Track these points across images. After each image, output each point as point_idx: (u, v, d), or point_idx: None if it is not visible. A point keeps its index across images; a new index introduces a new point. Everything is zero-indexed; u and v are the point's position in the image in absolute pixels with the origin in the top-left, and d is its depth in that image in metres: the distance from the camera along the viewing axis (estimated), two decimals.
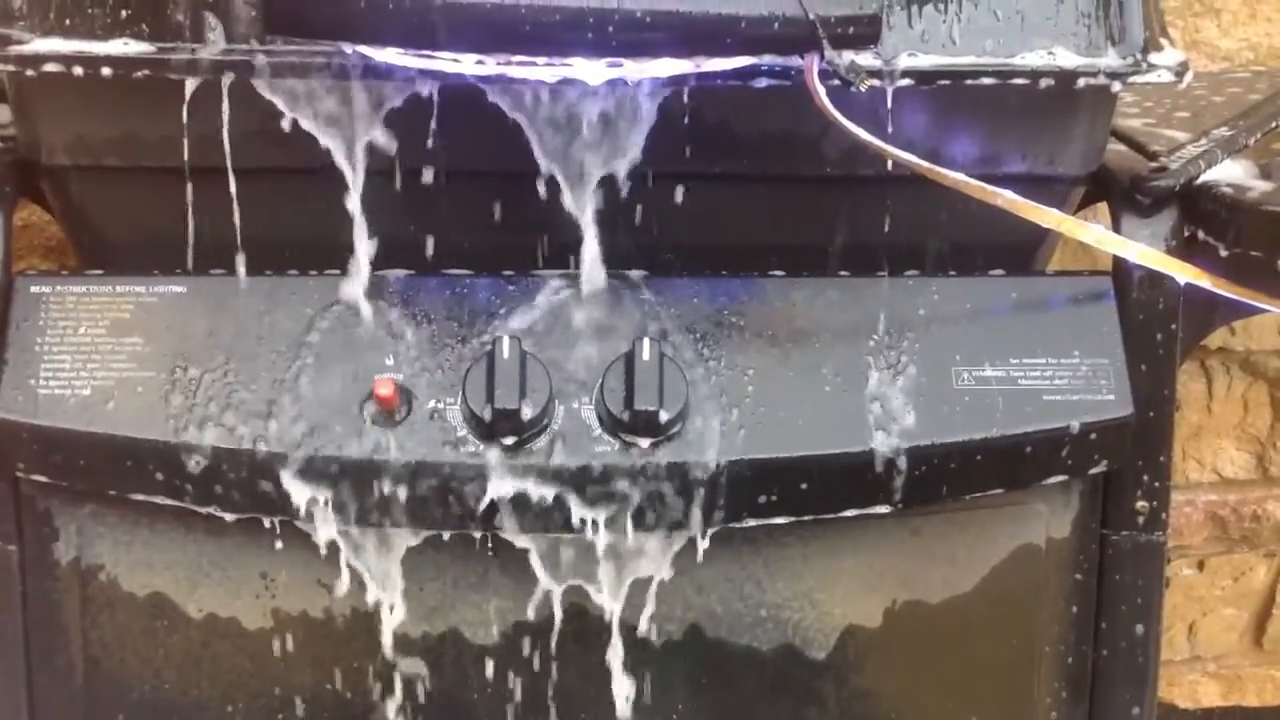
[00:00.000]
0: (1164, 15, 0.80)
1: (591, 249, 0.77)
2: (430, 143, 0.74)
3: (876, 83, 0.71)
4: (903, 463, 0.75)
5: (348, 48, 0.69)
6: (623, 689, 0.82)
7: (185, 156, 0.75)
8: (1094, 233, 0.76)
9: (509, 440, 0.74)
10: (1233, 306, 0.78)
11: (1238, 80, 1.07)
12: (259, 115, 0.73)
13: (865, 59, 0.71)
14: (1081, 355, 0.78)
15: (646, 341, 0.73)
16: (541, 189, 0.75)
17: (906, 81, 0.72)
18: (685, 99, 0.74)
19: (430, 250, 0.79)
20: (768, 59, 0.70)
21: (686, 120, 0.75)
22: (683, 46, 0.66)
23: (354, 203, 0.75)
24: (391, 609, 0.80)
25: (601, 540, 0.77)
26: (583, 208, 0.76)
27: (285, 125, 0.73)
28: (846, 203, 0.80)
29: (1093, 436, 0.78)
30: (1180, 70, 0.75)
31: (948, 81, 0.73)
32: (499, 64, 0.68)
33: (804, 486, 0.76)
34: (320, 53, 0.70)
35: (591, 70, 0.69)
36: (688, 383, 0.75)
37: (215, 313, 0.76)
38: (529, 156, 0.74)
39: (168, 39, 0.71)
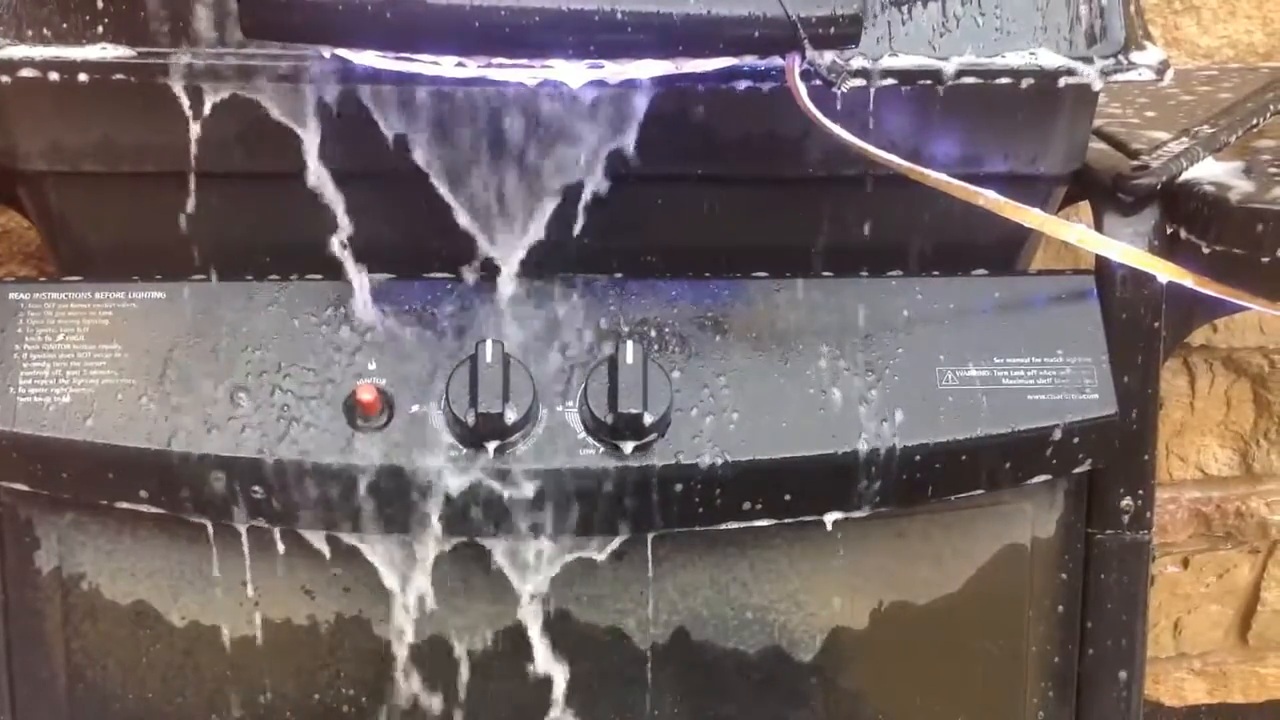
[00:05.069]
0: (1144, 13, 0.80)
1: (574, 251, 0.77)
2: (410, 146, 0.74)
3: (859, 83, 0.71)
4: (887, 464, 0.75)
5: (326, 51, 0.69)
6: (609, 692, 0.82)
7: (163, 162, 0.75)
8: (1076, 232, 0.76)
9: (492, 444, 0.73)
10: (1215, 304, 0.78)
11: (1206, 78, 1.07)
12: (237, 119, 0.72)
13: (847, 59, 0.70)
14: (1065, 354, 0.78)
15: (630, 344, 0.73)
16: (523, 191, 0.75)
17: (888, 81, 0.72)
18: (667, 100, 0.74)
19: (410, 254, 0.78)
20: (749, 60, 0.70)
21: (668, 122, 0.74)
22: (664, 48, 0.66)
23: (334, 207, 0.74)
24: (376, 615, 0.80)
25: (587, 543, 0.77)
26: (565, 210, 0.75)
27: (264, 129, 0.72)
28: (829, 203, 0.80)
29: (1077, 436, 0.78)
30: (1161, 69, 0.75)
31: (929, 81, 0.73)
32: (479, 66, 0.68)
33: (789, 489, 0.75)
34: (298, 57, 0.70)
35: (572, 72, 0.69)
36: (671, 385, 0.74)
37: (195, 319, 0.76)
38: (510, 158, 0.74)
39: (145, 44, 0.71)
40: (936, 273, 0.81)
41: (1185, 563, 1.40)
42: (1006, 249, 0.83)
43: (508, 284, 0.78)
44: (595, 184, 0.75)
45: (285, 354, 0.75)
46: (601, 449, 0.74)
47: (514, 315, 0.77)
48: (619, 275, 0.79)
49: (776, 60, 0.69)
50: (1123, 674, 0.85)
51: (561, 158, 0.74)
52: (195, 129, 0.73)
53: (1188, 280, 0.77)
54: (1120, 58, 0.75)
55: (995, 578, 0.83)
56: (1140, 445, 0.81)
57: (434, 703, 0.81)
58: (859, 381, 0.77)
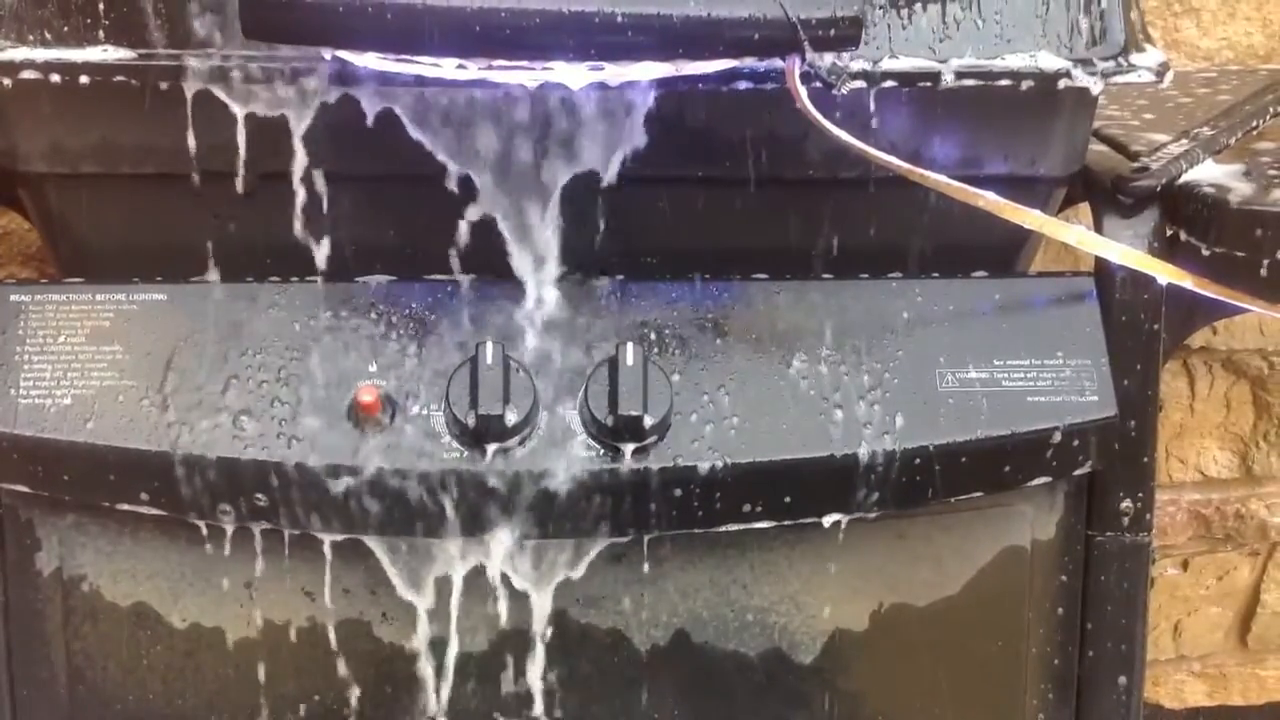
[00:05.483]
0: (1144, 15, 0.80)
1: (574, 253, 0.77)
2: (409, 149, 0.74)
3: (859, 85, 0.71)
4: (887, 466, 0.75)
5: (327, 53, 0.69)
6: (609, 694, 0.82)
7: (164, 163, 0.75)
8: (1076, 233, 0.76)
9: (493, 446, 0.73)
10: (1214, 306, 0.78)
11: (1205, 80, 1.07)
12: (238, 120, 0.72)
13: (846, 61, 0.71)
14: (1064, 356, 0.78)
15: (630, 346, 0.73)
16: (524, 193, 0.75)
17: (888, 83, 0.72)
18: (667, 102, 0.74)
19: (411, 256, 0.78)
20: (749, 62, 0.70)
21: (669, 124, 0.75)
22: (664, 50, 0.66)
23: (334, 208, 0.74)
24: (376, 617, 0.80)
25: (587, 545, 0.77)
26: (565, 212, 0.76)
27: (263, 130, 0.72)
28: (829, 205, 0.80)
29: (1076, 438, 0.78)
30: (1161, 71, 0.75)
31: (929, 83, 0.73)
32: (480, 68, 0.68)
33: (789, 491, 0.75)
34: (299, 58, 0.70)
35: (572, 74, 0.69)
36: (672, 387, 0.74)
37: (196, 320, 0.76)
38: (510, 161, 0.74)
39: (146, 46, 0.71)
40: (936, 274, 0.81)
41: (1185, 565, 1.40)
42: (1006, 251, 0.83)
43: (508, 286, 0.78)
44: (595, 186, 0.75)
45: (286, 356, 0.76)
46: (602, 451, 0.74)
47: (514, 317, 0.77)
48: (619, 277, 0.79)
49: (776, 62, 0.69)
50: (1122, 676, 0.85)
51: (562, 160, 0.74)
52: (196, 130, 0.73)
53: (1187, 282, 0.77)
54: (1120, 60, 0.75)
55: (995, 580, 0.83)
56: (1140, 447, 0.81)
57: (433, 703, 0.81)
58: (859, 383, 0.77)
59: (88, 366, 0.75)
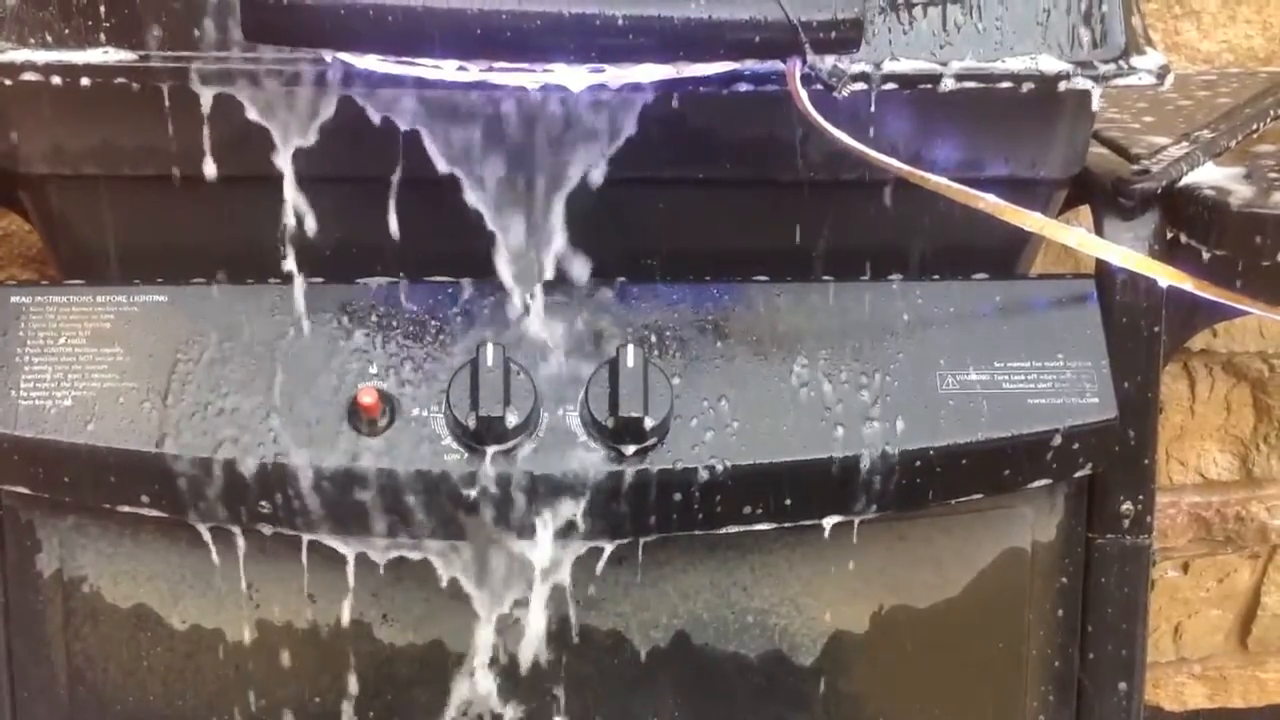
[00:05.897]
0: (1144, 18, 0.80)
1: (575, 255, 0.77)
2: (410, 150, 0.74)
3: (859, 87, 0.71)
4: (887, 468, 0.75)
5: (328, 55, 0.69)
6: (609, 696, 0.82)
7: (164, 165, 0.75)
8: (1076, 236, 0.77)
9: (493, 448, 0.73)
10: (1215, 309, 0.78)
11: (1204, 83, 1.07)
12: (238, 122, 0.72)
13: (847, 63, 0.71)
14: (1065, 358, 0.78)
15: (631, 348, 0.73)
16: (525, 196, 0.75)
17: (889, 86, 0.72)
18: (668, 104, 0.74)
19: (412, 258, 0.78)
20: (750, 64, 0.70)
21: (669, 126, 0.75)
22: (665, 52, 0.66)
23: (335, 210, 0.74)
24: (376, 618, 0.80)
25: (587, 547, 0.77)
26: (565, 214, 0.75)
27: (265, 132, 0.72)
28: (830, 207, 0.80)
29: (1077, 440, 0.78)
30: (1161, 73, 0.75)
31: (929, 86, 0.73)
32: (481, 70, 0.68)
33: (789, 493, 0.75)
34: (301, 60, 0.70)
35: (573, 76, 0.69)
36: (672, 389, 0.74)
37: (197, 322, 0.76)
38: (510, 163, 0.74)
39: (147, 47, 0.71)
40: (937, 276, 0.81)
41: (1185, 567, 1.40)
42: (1007, 253, 0.83)
43: (508, 288, 0.78)
44: (596, 188, 0.75)
45: (286, 357, 0.76)
46: (602, 452, 0.74)
47: (515, 319, 0.77)
48: (620, 279, 0.79)
49: (777, 64, 0.69)
50: (1123, 679, 0.85)
51: (563, 161, 0.74)
52: (196, 132, 0.73)
53: (1188, 284, 0.77)
54: (1121, 63, 0.75)
55: (995, 582, 0.83)
56: (1140, 449, 0.81)
57: (434, 706, 0.81)
58: (859, 385, 0.77)
59: (88, 368, 0.75)
